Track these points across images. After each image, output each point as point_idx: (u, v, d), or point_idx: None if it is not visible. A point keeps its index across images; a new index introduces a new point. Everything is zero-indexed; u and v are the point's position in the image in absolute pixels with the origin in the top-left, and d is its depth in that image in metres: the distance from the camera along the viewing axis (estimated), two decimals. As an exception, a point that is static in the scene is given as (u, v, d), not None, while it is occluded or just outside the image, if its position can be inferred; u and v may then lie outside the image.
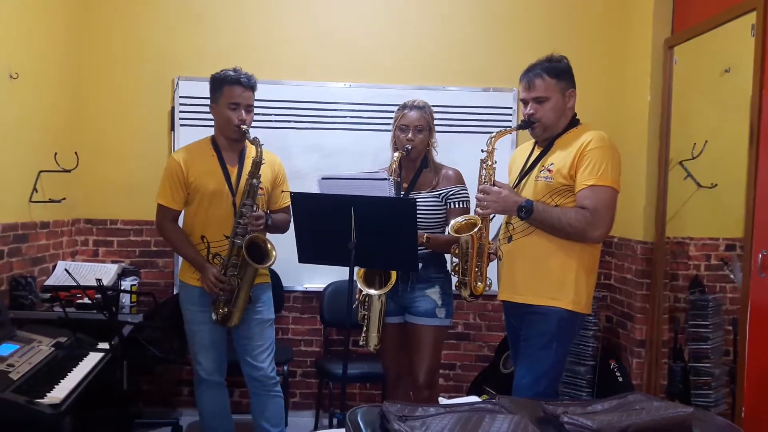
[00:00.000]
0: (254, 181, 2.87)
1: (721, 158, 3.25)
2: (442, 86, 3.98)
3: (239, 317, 2.93)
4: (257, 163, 2.87)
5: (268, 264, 2.91)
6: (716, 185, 3.28)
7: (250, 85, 2.93)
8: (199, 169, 2.93)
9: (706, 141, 3.30)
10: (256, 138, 2.89)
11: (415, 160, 2.97)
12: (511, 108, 3.99)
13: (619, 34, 3.97)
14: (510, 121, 3.98)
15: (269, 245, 2.92)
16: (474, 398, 1.76)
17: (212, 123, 3.79)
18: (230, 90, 2.89)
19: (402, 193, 2.92)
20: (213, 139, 3.03)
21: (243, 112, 2.90)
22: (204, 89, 3.84)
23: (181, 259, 3.05)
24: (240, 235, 2.86)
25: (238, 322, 2.93)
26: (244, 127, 2.89)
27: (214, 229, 2.92)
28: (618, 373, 3.69)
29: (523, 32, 4.00)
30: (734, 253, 3.09)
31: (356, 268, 2.75)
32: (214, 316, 2.92)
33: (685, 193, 3.45)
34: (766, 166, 2.74)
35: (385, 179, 2.72)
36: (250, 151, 2.97)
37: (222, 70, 2.95)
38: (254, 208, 2.87)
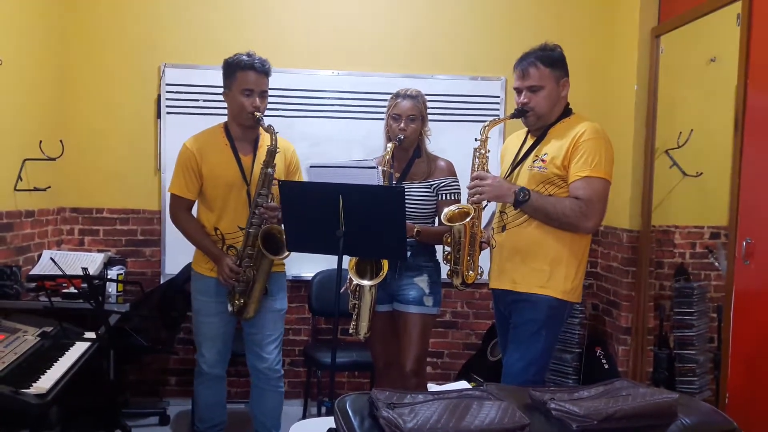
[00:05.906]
0: (269, 170, 2.80)
1: (707, 147, 3.27)
2: (430, 75, 3.97)
3: (255, 309, 2.88)
4: (272, 152, 2.80)
5: (283, 256, 2.86)
6: (701, 174, 3.30)
7: (264, 71, 2.85)
8: (213, 160, 2.86)
9: (692, 130, 3.31)
10: (271, 126, 2.81)
11: (408, 150, 2.95)
12: (499, 96, 3.99)
13: (605, 23, 3.98)
14: (498, 109, 3.98)
15: (285, 237, 2.87)
16: (463, 384, 1.77)
17: (199, 110, 3.75)
18: (244, 75, 2.81)
19: (394, 183, 2.90)
20: (226, 127, 2.94)
21: (257, 98, 2.82)
22: (190, 76, 3.85)
23: (194, 248, 2.97)
24: (255, 226, 2.80)
25: (253, 314, 2.89)
26: (258, 114, 2.81)
27: (228, 221, 2.87)
28: (604, 361, 3.73)
29: (510, 21, 3.99)
30: (719, 241, 3.11)
31: (348, 258, 2.75)
32: (230, 307, 2.87)
33: (671, 182, 3.47)
34: (750, 154, 2.76)
35: (374, 167, 2.70)
36: (264, 139, 2.90)
37: (235, 55, 2.85)
38: (269, 199, 2.81)
